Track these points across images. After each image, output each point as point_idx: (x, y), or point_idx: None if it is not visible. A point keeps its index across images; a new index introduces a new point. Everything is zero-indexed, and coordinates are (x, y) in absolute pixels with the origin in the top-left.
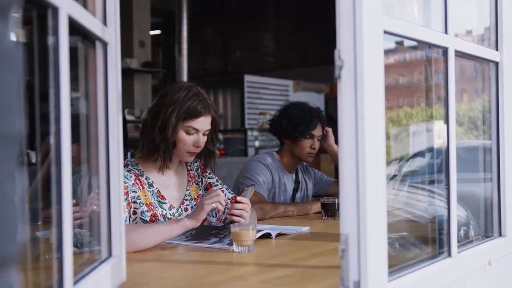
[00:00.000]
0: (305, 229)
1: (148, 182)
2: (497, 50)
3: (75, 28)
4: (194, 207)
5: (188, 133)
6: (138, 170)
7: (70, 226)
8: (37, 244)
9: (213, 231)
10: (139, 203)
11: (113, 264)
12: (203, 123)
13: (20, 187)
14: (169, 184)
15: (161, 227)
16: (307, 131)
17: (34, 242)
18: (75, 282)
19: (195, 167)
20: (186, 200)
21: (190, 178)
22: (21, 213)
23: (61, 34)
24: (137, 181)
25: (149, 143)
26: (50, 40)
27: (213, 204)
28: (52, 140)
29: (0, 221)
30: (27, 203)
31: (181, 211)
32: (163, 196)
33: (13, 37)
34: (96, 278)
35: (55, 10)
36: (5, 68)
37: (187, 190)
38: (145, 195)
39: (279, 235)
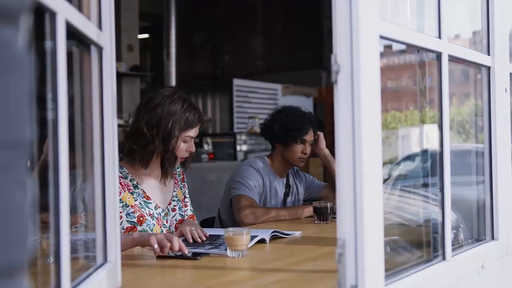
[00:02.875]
0: (297, 233)
1: (133, 184)
2: (488, 54)
3: (71, 33)
4: (181, 208)
5: (184, 141)
6: (121, 173)
7: (68, 232)
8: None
9: (206, 240)
10: (122, 206)
11: (108, 269)
12: (197, 130)
13: (30, 194)
14: (155, 186)
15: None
16: (299, 136)
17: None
18: None
19: (178, 173)
20: (174, 200)
21: (176, 181)
22: (31, 220)
23: (59, 38)
24: (119, 184)
25: (149, 154)
26: (47, 44)
27: (155, 246)
28: (49, 144)
29: (12, 228)
30: (35, 209)
31: (168, 210)
32: (148, 196)
33: (22, 44)
34: (92, 284)
35: (53, 14)
36: (16, 75)
37: (174, 191)
38: (128, 198)
39: (274, 238)
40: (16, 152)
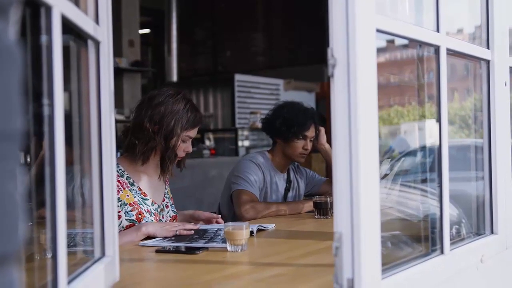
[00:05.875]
0: (271, 226)
1: (129, 182)
2: (488, 48)
3: (67, 27)
4: (172, 205)
5: (183, 141)
6: (117, 171)
7: (64, 226)
8: (28, 245)
9: (195, 235)
10: (121, 205)
11: (106, 263)
12: (196, 131)
13: (21, 185)
14: (150, 183)
15: (124, 238)
16: (301, 132)
17: (25, 243)
18: (69, 282)
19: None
20: (166, 197)
21: (167, 180)
22: (22, 211)
23: (55, 33)
24: (117, 182)
25: (150, 150)
26: (43, 38)
27: (177, 232)
28: (45, 140)
29: (3, 218)
30: (25, 202)
31: (163, 206)
32: (144, 193)
33: (12, 36)
34: (89, 278)
35: (48, 8)
36: (6, 67)
37: (166, 188)
38: (127, 195)
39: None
40: (6, 144)
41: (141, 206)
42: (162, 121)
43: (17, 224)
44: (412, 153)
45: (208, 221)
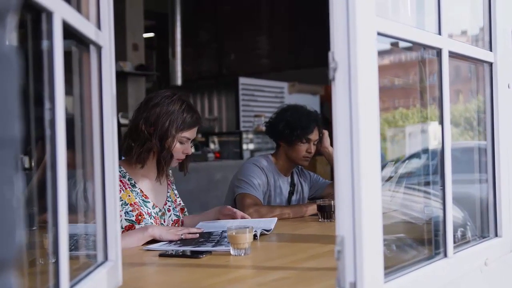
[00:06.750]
0: (273, 222)
1: (131, 183)
2: (491, 50)
3: (69, 32)
4: (175, 208)
5: (181, 142)
6: (120, 172)
7: (66, 230)
8: (32, 249)
9: (201, 239)
10: (122, 204)
11: (109, 268)
12: (195, 132)
13: (19, 191)
14: (152, 186)
15: (129, 239)
16: (304, 135)
17: (29, 247)
18: (71, 286)
19: (170, 175)
20: (168, 201)
21: (169, 183)
22: (19, 217)
23: (56, 38)
24: (119, 182)
25: (146, 152)
26: (44, 44)
27: (182, 236)
28: (47, 145)
29: (0, 225)
30: (24, 208)
31: (165, 210)
32: (146, 195)
33: (10, 42)
34: (92, 282)
35: (49, 14)
36: (4, 73)
37: (168, 192)
38: (129, 196)
39: (262, 234)
40: (4, 150)
41: (141, 207)
42: (157, 122)
43: (14, 230)
44: (417, 155)
45: (231, 216)
